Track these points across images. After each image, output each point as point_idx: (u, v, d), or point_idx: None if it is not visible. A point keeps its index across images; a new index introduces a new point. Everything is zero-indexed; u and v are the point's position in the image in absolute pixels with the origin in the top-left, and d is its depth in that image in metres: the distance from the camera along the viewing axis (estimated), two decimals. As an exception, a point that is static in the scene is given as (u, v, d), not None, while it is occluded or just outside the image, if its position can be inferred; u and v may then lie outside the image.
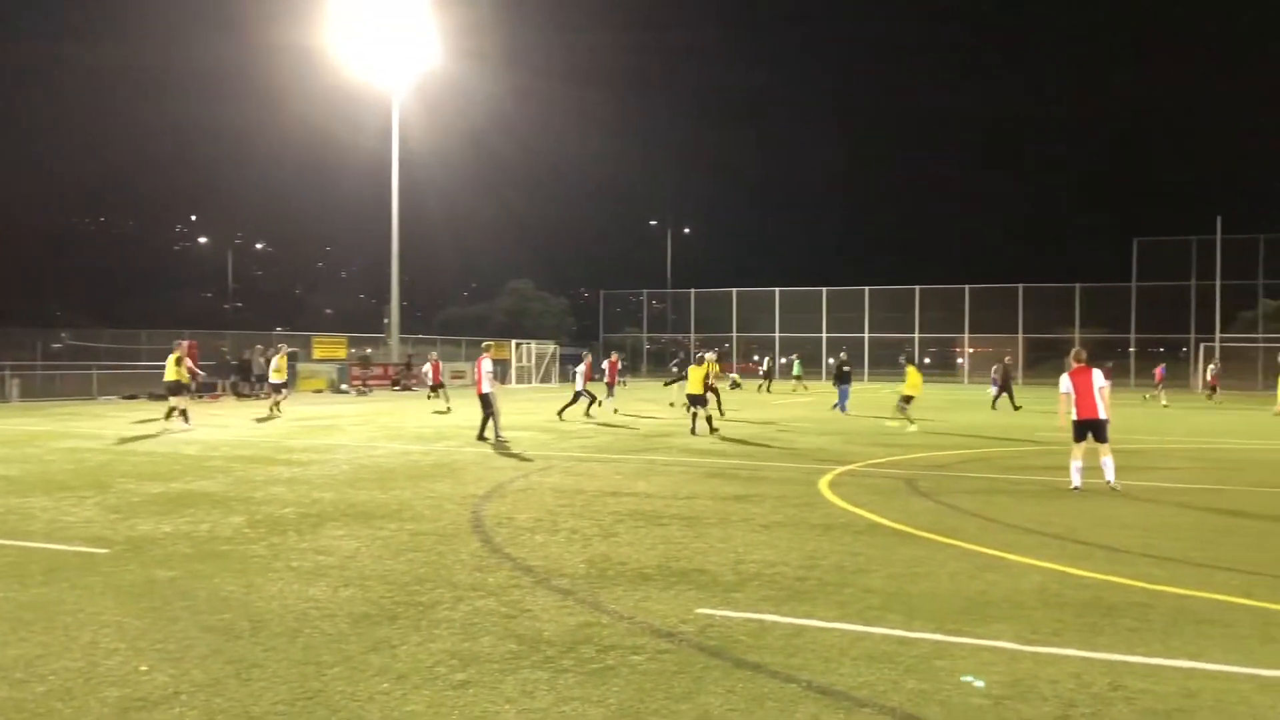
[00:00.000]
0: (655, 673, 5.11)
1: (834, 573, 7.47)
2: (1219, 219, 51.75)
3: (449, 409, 27.01)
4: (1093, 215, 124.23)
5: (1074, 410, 12.26)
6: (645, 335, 68.51)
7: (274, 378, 25.39)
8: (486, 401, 17.95)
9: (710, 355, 23.77)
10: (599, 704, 4.67)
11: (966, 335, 59.01)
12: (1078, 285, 55.97)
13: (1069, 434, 12.44)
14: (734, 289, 64.03)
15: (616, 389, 27.42)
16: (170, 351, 20.81)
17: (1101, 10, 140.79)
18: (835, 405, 27.83)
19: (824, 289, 61.28)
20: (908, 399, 21.71)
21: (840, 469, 14.04)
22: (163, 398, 23.68)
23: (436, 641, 5.63)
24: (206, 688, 4.86)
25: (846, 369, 28.47)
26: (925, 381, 23.57)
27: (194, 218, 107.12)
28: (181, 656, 5.34)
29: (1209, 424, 25.31)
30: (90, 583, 7.00)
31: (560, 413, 24.47)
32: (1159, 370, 38.95)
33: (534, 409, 28.56)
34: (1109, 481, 12.00)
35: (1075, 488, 12.01)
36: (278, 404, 25.20)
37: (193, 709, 4.58)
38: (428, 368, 31.05)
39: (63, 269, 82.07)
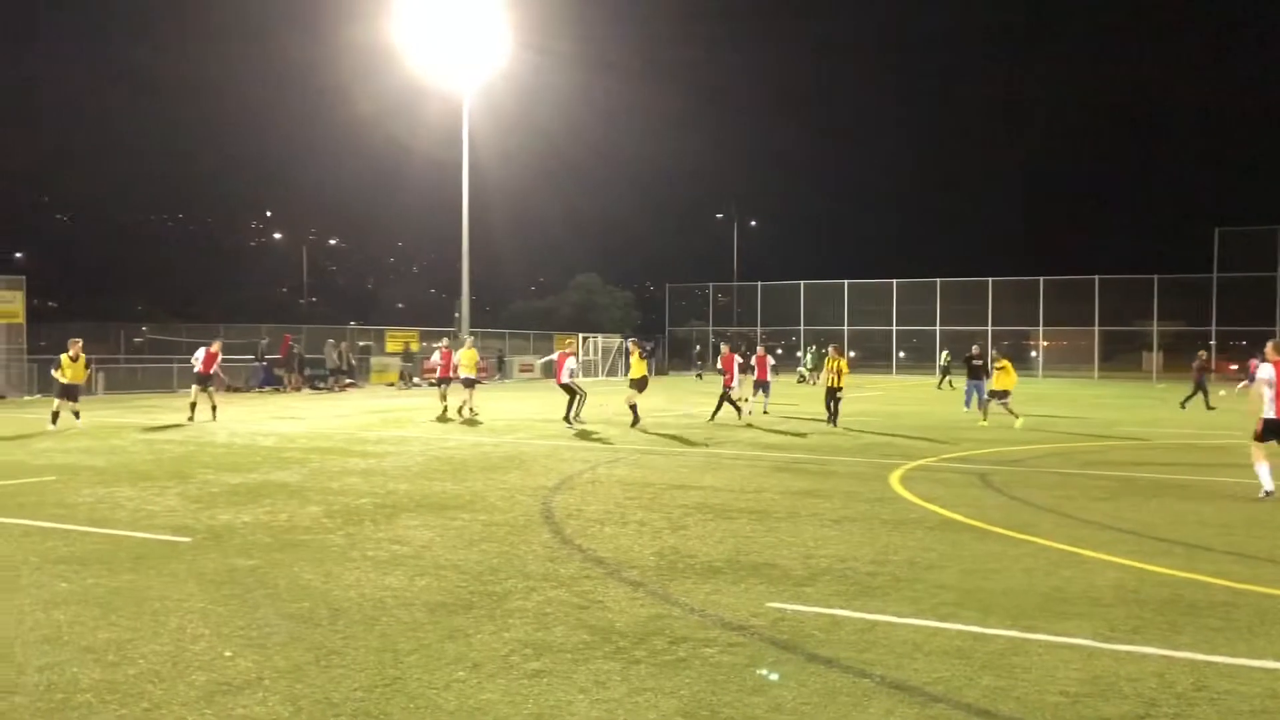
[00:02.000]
0: (727, 665, 5.12)
1: (906, 568, 7.42)
2: (1306, 207, 50.10)
3: (445, 410, 22.20)
4: (1173, 204, 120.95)
5: (1271, 408, 10.76)
6: (711, 329, 68.34)
7: (464, 373, 22.27)
8: (569, 389, 19.81)
9: (830, 349, 21.69)
10: (671, 695, 4.70)
11: (1041, 328, 57.89)
12: (1156, 276, 54.53)
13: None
14: (801, 281, 63.57)
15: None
16: (66, 350, 18.20)
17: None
18: (966, 404, 25.26)
19: (894, 281, 60.46)
20: (1003, 393, 20.87)
21: (911, 464, 13.90)
22: (238, 390, 24.05)
23: (510, 631, 5.71)
24: (288, 674, 4.99)
25: (979, 363, 25.75)
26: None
27: (269, 214, 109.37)
28: (263, 643, 5.48)
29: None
30: (175, 570, 7.21)
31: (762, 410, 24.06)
32: None
33: (602, 401, 28.66)
34: (1268, 491, 10.74)
35: (1267, 493, 10.72)
36: (467, 402, 21.87)
37: (275, 694, 4.71)
38: (437, 357, 24.28)
39: (144, 265, 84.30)
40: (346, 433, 18.24)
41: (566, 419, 19.46)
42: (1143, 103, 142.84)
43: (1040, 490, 11.56)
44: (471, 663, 5.17)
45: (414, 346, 40.87)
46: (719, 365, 21.56)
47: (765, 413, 23.71)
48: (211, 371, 20.81)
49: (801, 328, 62.25)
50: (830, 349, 21.92)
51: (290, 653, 5.32)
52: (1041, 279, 56.67)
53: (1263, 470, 10.86)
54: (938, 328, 58.22)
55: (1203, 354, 29.40)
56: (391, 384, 38.07)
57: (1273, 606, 6.38)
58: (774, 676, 4.85)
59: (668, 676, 4.95)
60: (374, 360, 40.01)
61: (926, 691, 4.77)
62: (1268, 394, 10.76)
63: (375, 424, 20.25)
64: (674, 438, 17.75)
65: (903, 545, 8.26)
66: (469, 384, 22.02)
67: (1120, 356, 58.26)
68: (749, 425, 20.32)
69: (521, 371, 46.85)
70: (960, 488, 11.70)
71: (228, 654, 5.29)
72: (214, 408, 20.64)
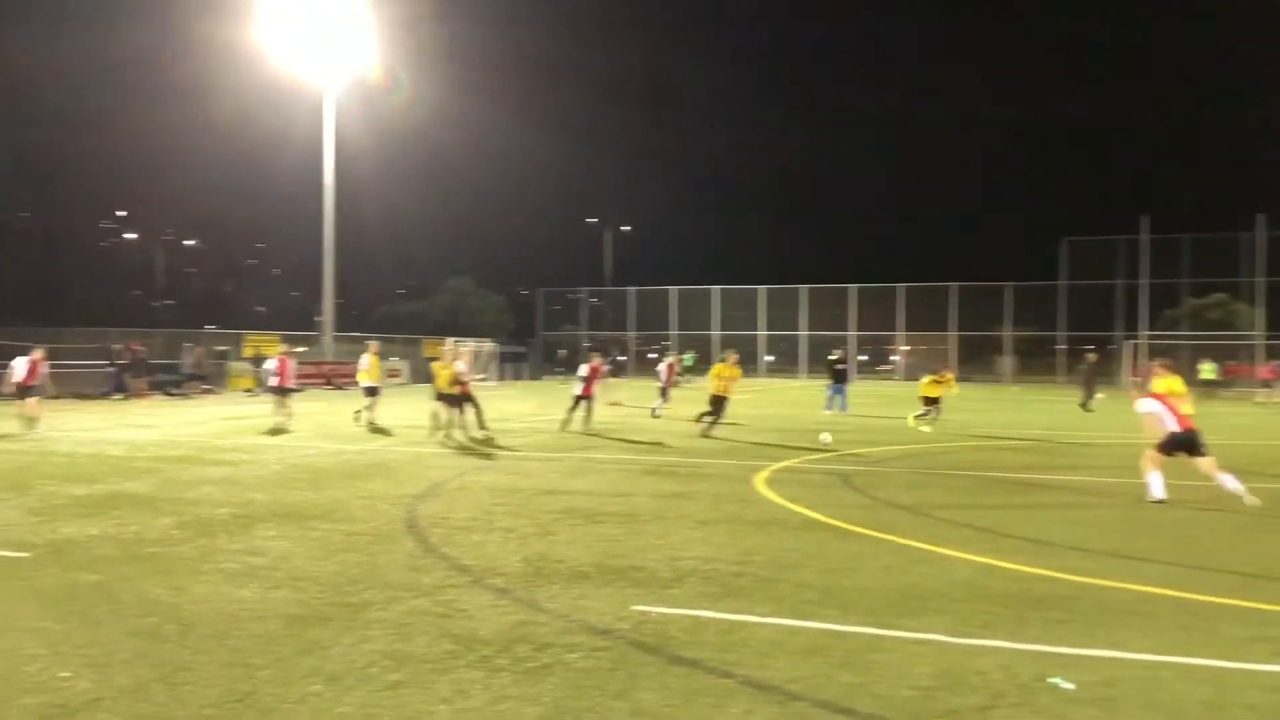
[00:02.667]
0: (591, 670, 5.11)
1: (769, 568, 7.53)
2: (1145, 219, 53.28)
3: (288, 419, 19.75)
4: (1022, 215, 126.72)
5: (1173, 423, 11.00)
6: (585, 333, 68.43)
7: (364, 380, 20.95)
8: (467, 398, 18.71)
9: (730, 355, 20.85)
10: (534, 702, 4.66)
11: (901, 333, 59.90)
12: (1008, 284, 57.07)
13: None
14: (672, 287, 64.27)
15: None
16: None
17: (1026, 10, 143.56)
18: (828, 406, 26.23)
19: (761, 288, 61.81)
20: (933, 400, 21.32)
21: (777, 466, 14.14)
22: (87, 397, 22.67)
23: (370, 642, 5.57)
24: (130, 693, 4.75)
25: (841, 366, 26.89)
26: (860, 378, 23.47)
27: (122, 214, 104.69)
28: (105, 662, 5.21)
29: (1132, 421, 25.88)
30: (10, 587, 6.81)
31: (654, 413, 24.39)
32: (1269, 369, 38.39)
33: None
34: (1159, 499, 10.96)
35: (1158, 500, 10.94)
36: (367, 411, 20.58)
37: (115, 714, 4.48)
38: (272, 364, 21.00)
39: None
40: (201, 441, 17.57)
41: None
42: (995, 116, 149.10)
43: (900, 490, 11.91)
44: (328, 675, 5.02)
45: (271, 351, 39.63)
46: (582, 372, 20.88)
47: (656, 416, 23.96)
48: (36, 382, 19.12)
49: (673, 332, 62.90)
50: (727, 355, 21.06)
51: (134, 670, 5.07)
52: (901, 286, 58.71)
53: (1155, 479, 11.06)
54: (803, 333, 59.71)
55: (1090, 356, 30.60)
56: (249, 390, 36.87)
57: (1111, 598, 6.71)
58: (1068, 685, 4.74)
59: (531, 683, 4.90)
60: (232, 365, 38.69)
61: (786, 689, 4.84)
62: (1167, 419, 11.09)
63: (232, 431, 19.55)
64: (544, 444, 17.67)
65: (767, 546, 8.39)
66: (371, 392, 20.77)
67: (976, 361, 60.72)
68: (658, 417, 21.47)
69: (390, 377, 45.94)
70: (823, 488, 11.97)
71: (65, 674, 5.01)
72: (33, 419, 18.81)
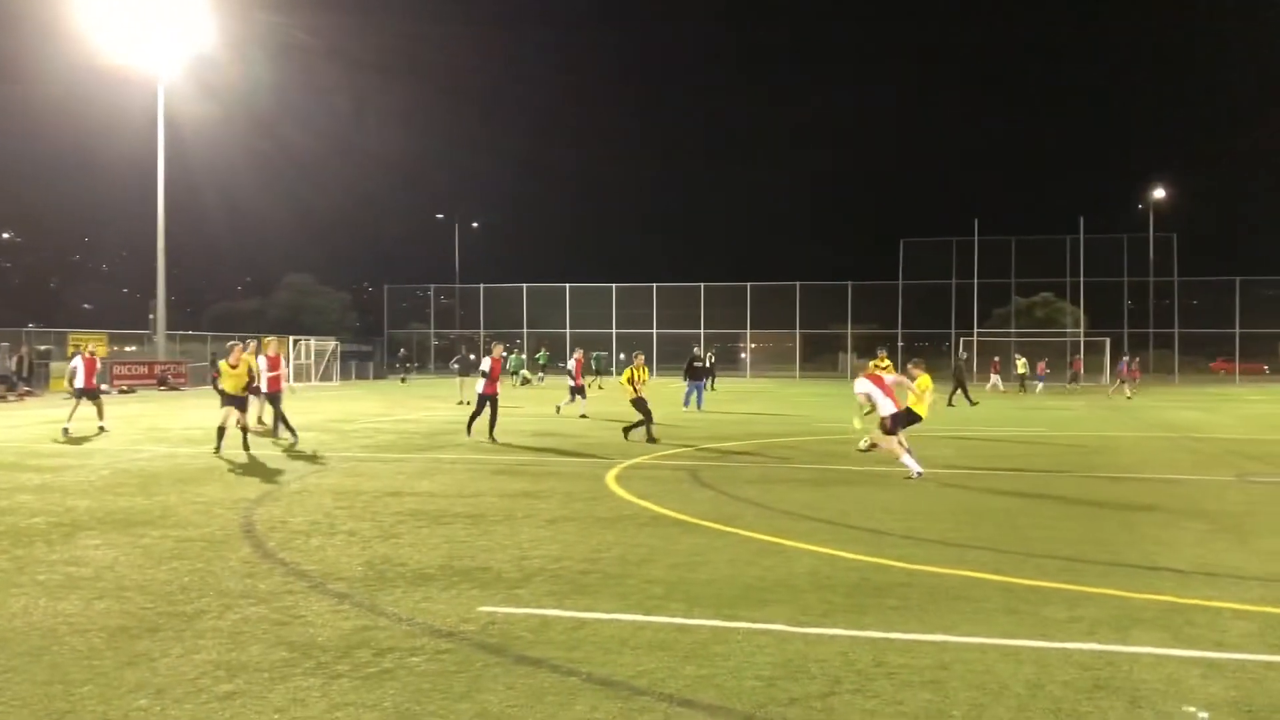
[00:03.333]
0: (434, 673, 5.01)
1: (617, 565, 7.55)
2: (976, 221, 55.93)
3: (102, 427, 18.68)
4: (864, 217, 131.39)
5: (889, 406, 12.91)
6: (433, 331, 67.44)
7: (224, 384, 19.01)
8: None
9: (638, 357, 19.68)
10: (374, 708, 4.54)
11: (748, 331, 61.23)
12: (849, 283, 59.03)
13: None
14: (524, 285, 64.01)
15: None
16: None
17: (866, 20, 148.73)
18: (686, 404, 26.31)
19: (614, 286, 62.18)
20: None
21: (628, 463, 14.22)
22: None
23: (201, 653, 5.33)
24: (-68, 717, 4.42)
25: (699, 364, 26.68)
26: (717, 376, 23.16)
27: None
28: (-97, 685, 4.83)
29: (967, 415, 27.13)
30: None
31: (559, 409, 24.26)
32: (1123, 365, 40.23)
33: (314, 408, 27.54)
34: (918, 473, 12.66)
35: (918, 474, 12.56)
36: (242, 421, 17.44)
37: (-85, 741, 4.16)
38: (76, 363, 19.36)
39: None
40: (18, 445, 16.54)
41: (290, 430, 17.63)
42: (839, 121, 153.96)
43: (746, 484, 12.13)
44: (155, 689, 4.78)
45: (102, 351, 37.69)
46: (484, 366, 19.76)
47: (562, 411, 23.94)
48: None
49: (525, 330, 62.67)
50: (635, 357, 19.81)
51: (-64, 694, 4.72)
52: (749, 285, 60.02)
53: (909, 460, 12.72)
54: (654, 331, 60.30)
55: (964, 354, 31.51)
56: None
57: (941, 585, 6.98)
58: (1204, 715, 4.56)
59: (370, 689, 4.78)
60: (55, 366, 36.59)
61: (631, 685, 4.85)
62: (882, 401, 12.95)
63: (53, 435, 18.46)
64: (390, 444, 17.32)
65: (615, 542, 8.41)
66: (255, 392, 18.57)
67: (820, 357, 62.68)
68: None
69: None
70: (672, 484, 12.09)
71: None
72: None
